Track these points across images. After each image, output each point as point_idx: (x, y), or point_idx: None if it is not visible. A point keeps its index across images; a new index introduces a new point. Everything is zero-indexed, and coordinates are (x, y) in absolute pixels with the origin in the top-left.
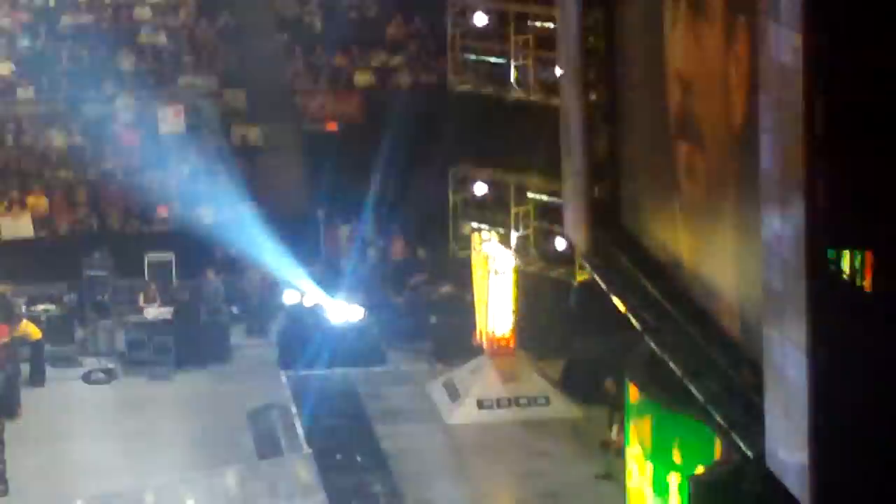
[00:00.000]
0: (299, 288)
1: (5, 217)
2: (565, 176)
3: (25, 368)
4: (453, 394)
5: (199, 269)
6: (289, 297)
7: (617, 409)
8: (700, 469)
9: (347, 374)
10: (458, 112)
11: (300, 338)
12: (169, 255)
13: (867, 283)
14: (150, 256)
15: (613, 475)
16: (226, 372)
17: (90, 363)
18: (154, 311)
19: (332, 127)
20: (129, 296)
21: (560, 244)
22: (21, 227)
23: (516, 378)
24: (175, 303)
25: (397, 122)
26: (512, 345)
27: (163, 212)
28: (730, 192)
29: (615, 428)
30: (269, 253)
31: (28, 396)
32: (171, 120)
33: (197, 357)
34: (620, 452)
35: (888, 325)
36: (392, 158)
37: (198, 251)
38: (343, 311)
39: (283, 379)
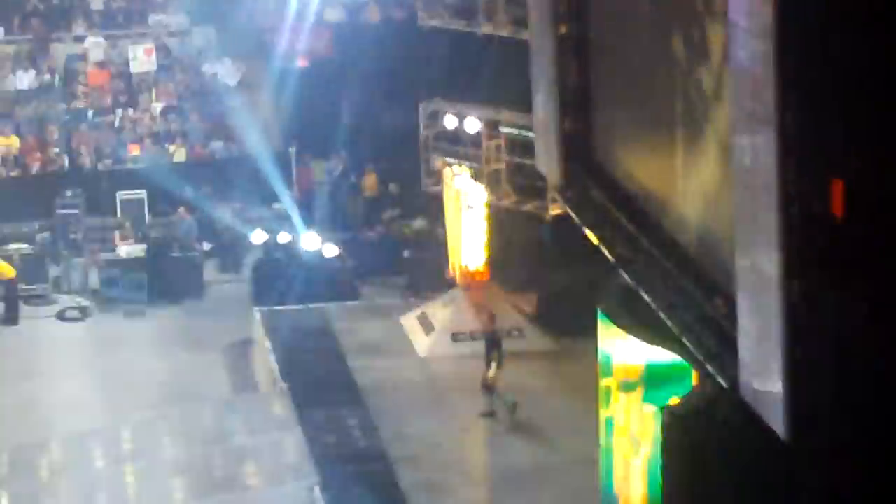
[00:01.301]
0: (271, 224)
1: None
2: (536, 109)
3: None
4: (427, 327)
5: (172, 207)
6: (260, 234)
7: (495, 346)
8: (674, 400)
9: (321, 309)
10: (428, 47)
11: (273, 274)
12: (141, 193)
13: (837, 212)
14: (122, 194)
15: (495, 414)
16: (200, 308)
17: (64, 301)
18: (127, 249)
19: (303, 63)
20: (101, 234)
21: (531, 177)
22: None
23: (490, 311)
24: (148, 240)
25: (368, 58)
26: (485, 279)
27: (134, 150)
28: (702, 122)
29: (493, 366)
30: (240, 189)
31: (2, 335)
32: (142, 58)
33: (170, 294)
34: (497, 391)
35: (859, 254)
36: (363, 94)
37: (170, 189)
38: (316, 247)
39: (257, 315)
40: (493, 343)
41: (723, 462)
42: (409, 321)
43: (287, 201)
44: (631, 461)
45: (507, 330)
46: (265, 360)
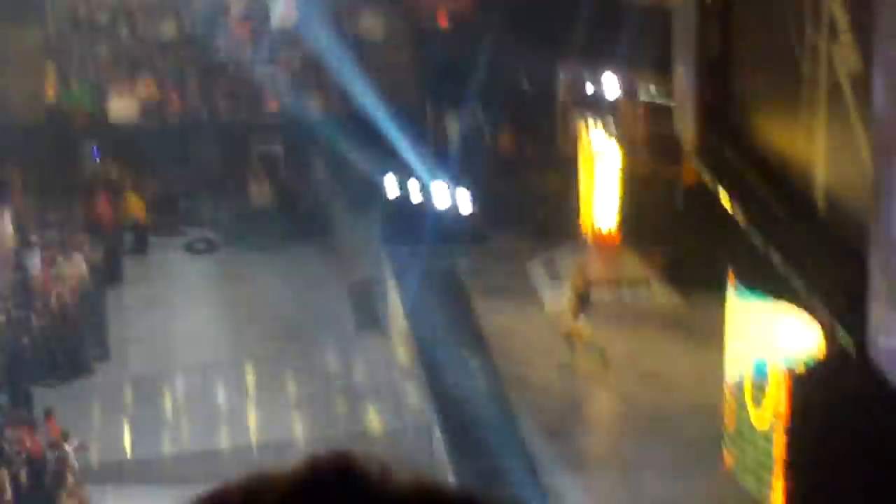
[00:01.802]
0: (406, 178)
1: (114, 100)
2: (676, 74)
3: (129, 239)
4: (554, 275)
5: (308, 163)
6: (394, 187)
7: (583, 299)
8: (802, 362)
9: (448, 251)
10: (570, 10)
11: (405, 225)
12: (277, 148)
13: None
14: (259, 148)
15: (574, 367)
16: (329, 246)
17: (193, 233)
18: (261, 202)
19: (444, 22)
20: (235, 186)
21: (668, 143)
22: (127, 112)
23: (619, 265)
24: (281, 195)
25: (508, 19)
26: (616, 239)
27: (272, 103)
28: (840, 89)
29: (581, 318)
30: (377, 145)
31: (131, 265)
32: (283, 12)
33: (300, 231)
34: (586, 345)
35: None
36: (502, 55)
37: (306, 142)
38: (447, 196)
39: (385, 255)
40: (584, 299)
41: (847, 424)
42: (537, 269)
43: (423, 156)
44: (755, 418)
45: (636, 283)
46: (390, 299)
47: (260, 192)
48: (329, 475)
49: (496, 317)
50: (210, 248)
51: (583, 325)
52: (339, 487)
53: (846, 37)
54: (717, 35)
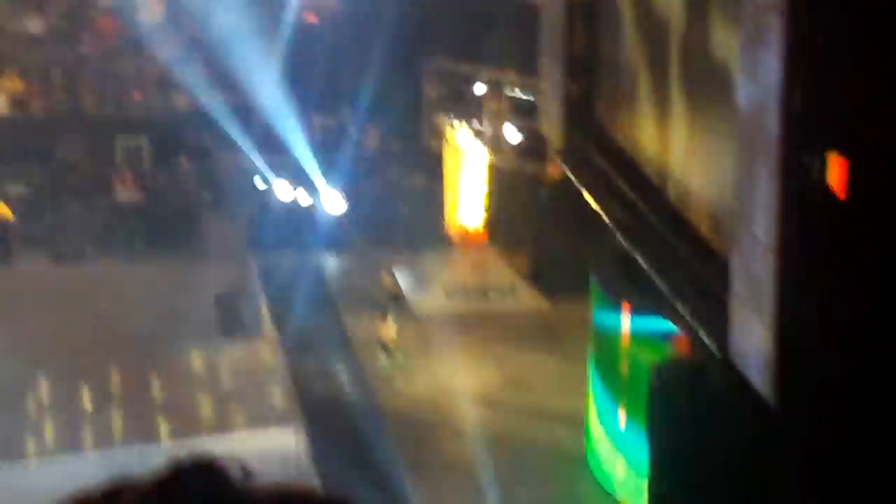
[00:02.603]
0: (271, 174)
1: None
2: (542, 71)
3: None
4: (422, 282)
5: (172, 156)
6: (260, 185)
7: (395, 302)
8: (663, 364)
9: (317, 260)
10: (436, 7)
11: (271, 223)
12: (141, 140)
13: (836, 187)
14: (123, 140)
15: (392, 372)
16: (195, 255)
17: (60, 242)
18: (125, 195)
19: (312, 18)
20: (101, 179)
21: (533, 139)
22: None
23: (485, 269)
24: (147, 188)
25: (375, 15)
26: (482, 238)
27: (137, 97)
28: (706, 93)
29: (390, 323)
30: (242, 140)
31: None
32: (151, 6)
33: (167, 240)
34: (396, 349)
35: (855, 226)
36: (369, 50)
37: (171, 137)
38: (315, 197)
39: (252, 263)
40: (397, 300)
41: (709, 425)
42: (404, 275)
43: (289, 153)
44: (619, 420)
45: (502, 289)
46: (257, 306)
47: (126, 189)
48: (190, 477)
49: (362, 322)
50: (77, 256)
51: (389, 327)
52: (200, 489)
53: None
54: (584, 33)
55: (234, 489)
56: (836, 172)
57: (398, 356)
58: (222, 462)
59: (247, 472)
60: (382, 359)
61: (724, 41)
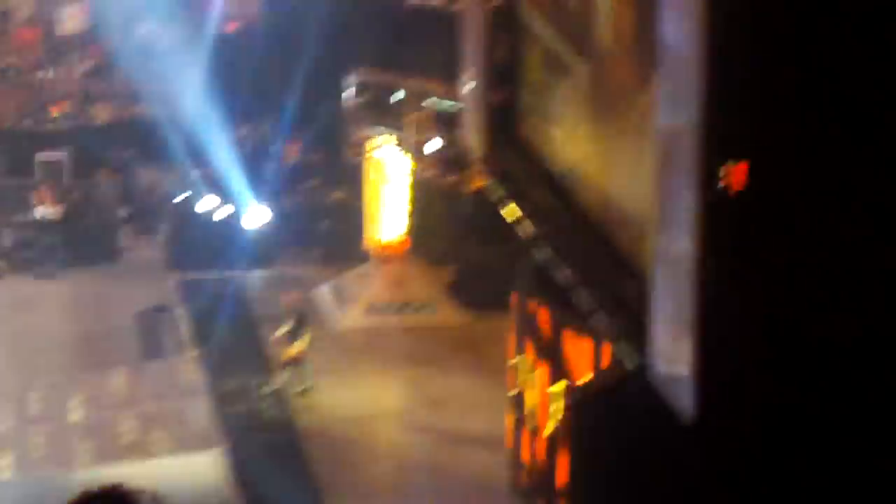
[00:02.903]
0: (193, 189)
1: None
2: (463, 82)
3: None
4: (341, 299)
5: (92, 170)
6: (179, 199)
7: (300, 322)
8: (582, 380)
9: (237, 277)
10: (356, 16)
11: (189, 240)
12: (61, 155)
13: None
14: (41, 155)
15: (308, 389)
16: (114, 273)
17: None
18: (43, 211)
19: (233, 27)
20: (18, 194)
21: (455, 150)
22: None
23: (406, 284)
24: (66, 203)
25: (295, 25)
26: (403, 251)
27: (56, 110)
28: (624, 101)
29: (298, 343)
30: (163, 153)
31: None
32: (72, 17)
33: (85, 258)
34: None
35: (769, 234)
36: (289, 61)
37: (91, 151)
38: (239, 214)
39: (171, 281)
40: (301, 319)
41: (627, 443)
42: (324, 293)
43: (211, 166)
44: (537, 439)
45: (422, 304)
46: (177, 326)
47: (43, 203)
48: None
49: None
50: None
51: (291, 346)
52: None
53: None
54: (505, 42)
55: None
56: (739, 179)
57: (302, 374)
58: (132, 491)
59: (156, 501)
60: (283, 378)
61: (643, 51)
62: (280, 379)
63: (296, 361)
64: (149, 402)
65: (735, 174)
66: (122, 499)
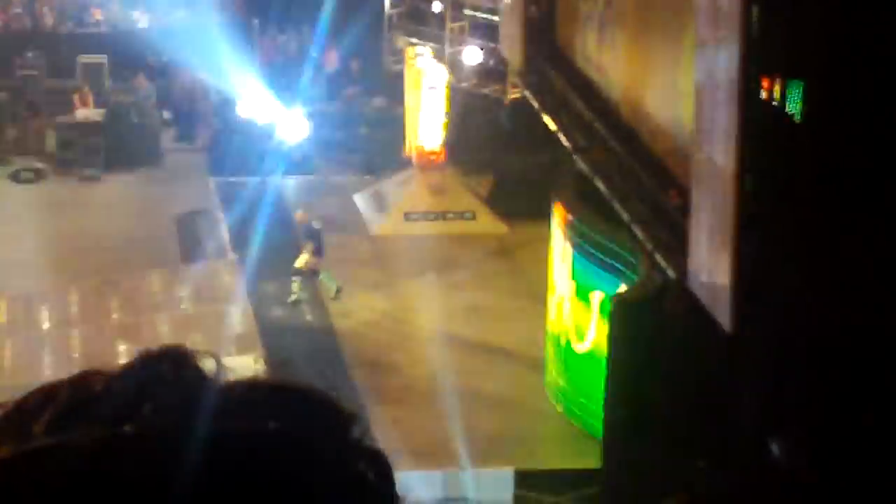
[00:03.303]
0: (232, 94)
1: None
2: None
3: None
4: (381, 205)
5: (132, 73)
6: (219, 104)
7: (310, 237)
8: (622, 288)
9: (277, 183)
10: None
11: (230, 145)
12: (102, 58)
13: (796, 112)
14: (83, 58)
15: (304, 299)
16: (155, 176)
17: (19, 162)
18: (85, 113)
19: None
20: (60, 96)
21: (494, 60)
22: None
23: (444, 192)
24: (107, 105)
25: None
26: (441, 160)
27: (97, 14)
28: (665, 17)
29: (306, 255)
30: (202, 59)
31: None
32: None
33: (127, 160)
34: (313, 275)
35: (814, 153)
36: None
37: (132, 56)
38: (279, 121)
39: (212, 185)
40: (310, 233)
41: (667, 351)
42: (364, 199)
43: (249, 73)
44: (576, 346)
45: (460, 212)
46: (217, 230)
47: (85, 105)
48: (162, 363)
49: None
50: (37, 177)
51: (306, 256)
52: (171, 376)
53: None
54: None
55: (208, 378)
56: (792, 97)
57: (323, 282)
58: (195, 352)
59: (221, 365)
60: (294, 286)
61: None
62: (293, 287)
63: (304, 273)
64: (188, 304)
65: (785, 91)
66: (184, 357)
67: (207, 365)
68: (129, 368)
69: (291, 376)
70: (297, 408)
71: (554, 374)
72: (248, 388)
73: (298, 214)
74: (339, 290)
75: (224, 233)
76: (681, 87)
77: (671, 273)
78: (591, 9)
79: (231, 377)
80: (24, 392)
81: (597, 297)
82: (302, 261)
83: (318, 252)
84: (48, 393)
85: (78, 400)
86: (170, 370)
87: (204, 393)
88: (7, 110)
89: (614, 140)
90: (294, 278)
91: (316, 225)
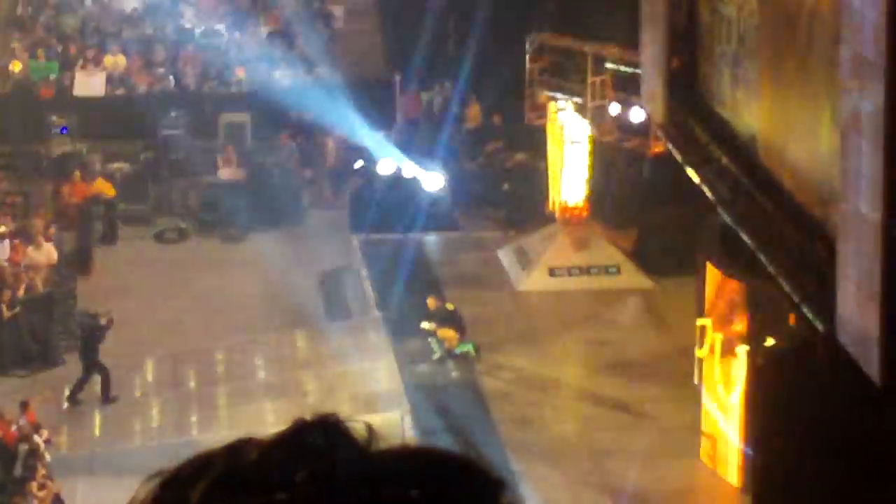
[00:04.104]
0: (374, 153)
1: (80, 73)
2: (644, 45)
3: (98, 226)
4: (524, 261)
5: (274, 133)
6: (362, 162)
7: (446, 321)
8: (769, 341)
9: (419, 239)
10: None
11: (373, 202)
12: (244, 117)
13: None
14: (225, 117)
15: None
16: (298, 234)
17: (163, 222)
18: (229, 173)
19: None
20: (203, 156)
21: (637, 115)
22: (93, 84)
23: (588, 247)
24: (250, 165)
25: None
26: (585, 214)
27: (240, 73)
28: (811, 67)
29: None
30: (344, 117)
31: (100, 254)
32: None
33: (270, 219)
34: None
35: None
36: (469, 24)
37: (273, 114)
38: (419, 177)
39: (355, 242)
40: (446, 316)
41: (814, 404)
42: (507, 255)
43: (391, 131)
44: (725, 400)
45: (605, 266)
46: (361, 287)
47: (228, 165)
48: (314, 433)
49: (467, 304)
50: (181, 237)
51: (448, 336)
52: (323, 445)
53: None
54: (684, 6)
55: (359, 447)
56: None
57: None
58: (346, 419)
59: (372, 432)
60: (436, 344)
61: (824, 10)
62: (434, 345)
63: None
64: (333, 362)
65: None
66: (336, 426)
67: (359, 432)
68: (283, 437)
69: (439, 440)
70: (443, 475)
71: (704, 427)
72: (397, 457)
73: (431, 300)
74: (478, 350)
75: (368, 290)
76: (821, 131)
77: (819, 325)
78: (726, 48)
79: (382, 443)
80: (173, 453)
81: (741, 348)
82: (447, 343)
83: (461, 332)
84: (205, 461)
85: (233, 468)
86: (322, 439)
87: (354, 461)
88: (151, 170)
89: (758, 190)
90: (431, 338)
91: (450, 307)
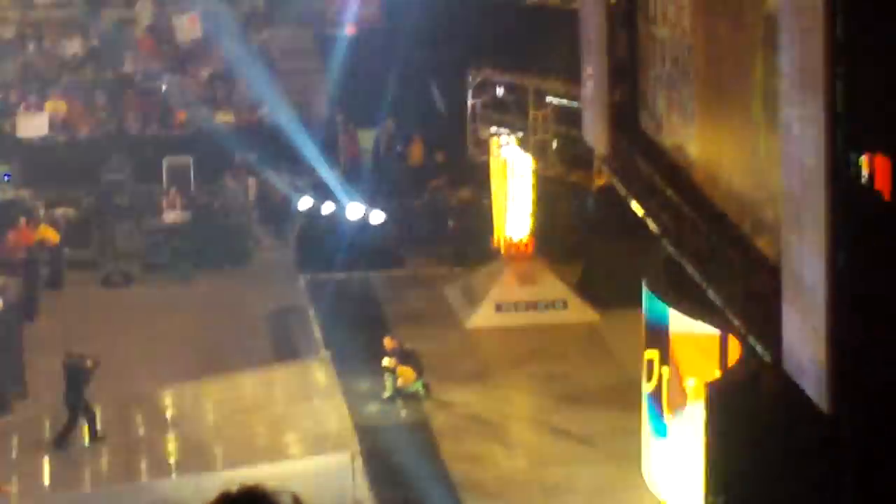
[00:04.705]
0: (317, 192)
1: (22, 116)
2: (585, 79)
3: (44, 272)
4: (471, 297)
5: (218, 174)
6: (306, 202)
7: (404, 360)
8: (717, 373)
9: (365, 278)
10: (476, 15)
11: (318, 241)
12: (187, 160)
13: (883, 189)
14: (169, 160)
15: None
16: (243, 275)
17: (108, 267)
18: (173, 216)
19: (351, 31)
20: (147, 200)
21: (578, 148)
22: (37, 125)
23: (534, 282)
24: (194, 207)
25: (415, 27)
26: (530, 249)
27: (181, 116)
28: (748, 95)
29: (404, 376)
30: (286, 157)
31: (46, 300)
32: (187, 26)
33: (215, 261)
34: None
35: None
36: (410, 62)
37: (216, 156)
38: (362, 215)
39: (301, 282)
40: (404, 356)
41: (765, 434)
42: (454, 291)
43: (333, 169)
44: (672, 430)
45: (552, 301)
46: (308, 327)
47: (172, 208)
48: (239, 502)
49: (415, 341)
50: (126, 281)
51: (405, 376)
52: None
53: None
54: (625, 39)
55: None
56: (880, 173)
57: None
58: (272, 492)
59: (297, 501)
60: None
61: (762, 43)
62: (387, 384)
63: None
64: (282, 403)
65: (878, 169)
66: (262, 499)
67: (285, 502)
68: None
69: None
70: None
71: (651, 460)
72: None
73: (387, 340)
74: (427, 388)
75: (315, 329)
76: (768, 168)
77: (766, 356)
78: (674, 90)
79: None
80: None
81: (690, 382)
82: (401, 381)
83: (418, 372)
84: None
85: None
86: None
87: None
88: (95, 215)
89: (702, 223)
90: (387, 375)
91: (408, 347)
